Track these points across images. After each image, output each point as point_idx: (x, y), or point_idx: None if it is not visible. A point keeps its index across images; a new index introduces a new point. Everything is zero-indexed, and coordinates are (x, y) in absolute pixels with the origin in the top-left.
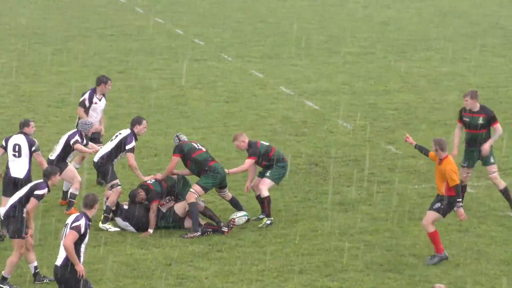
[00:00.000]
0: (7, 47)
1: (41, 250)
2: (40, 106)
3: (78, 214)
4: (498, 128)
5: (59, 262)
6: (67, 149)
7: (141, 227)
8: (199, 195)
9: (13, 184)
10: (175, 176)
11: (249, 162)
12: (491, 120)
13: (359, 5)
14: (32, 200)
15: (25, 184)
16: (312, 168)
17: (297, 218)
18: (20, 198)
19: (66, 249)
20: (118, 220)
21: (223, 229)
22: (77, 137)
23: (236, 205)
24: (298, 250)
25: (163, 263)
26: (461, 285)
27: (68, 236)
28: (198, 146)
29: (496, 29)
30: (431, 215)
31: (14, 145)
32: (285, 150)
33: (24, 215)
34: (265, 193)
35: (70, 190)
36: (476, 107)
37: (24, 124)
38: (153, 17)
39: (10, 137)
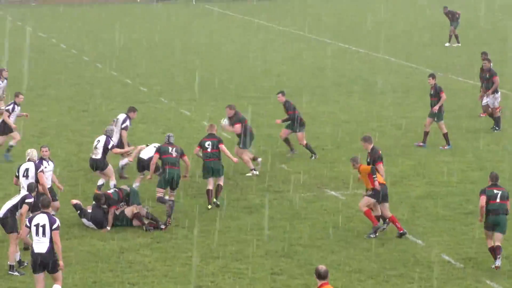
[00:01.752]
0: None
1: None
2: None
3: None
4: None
5: (44, 249)
6: (106, 151)
7: (100, 225)
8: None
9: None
10: (128, 188)
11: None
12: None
13: (258, 62)
14: (24, 206)
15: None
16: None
17: (214, 218)
18: (15, 204)
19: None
20: (84, 220)
21: (161, 226)
22: (112, 142)
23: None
24: (217, 242)
25: (117, 251)
26: (336, 267)
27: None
28: (170, 151)
29: (359, 80)
30: (366, 199)
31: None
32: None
33: (16, 217)
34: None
35: (110, 184)
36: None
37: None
38: (109, 71)
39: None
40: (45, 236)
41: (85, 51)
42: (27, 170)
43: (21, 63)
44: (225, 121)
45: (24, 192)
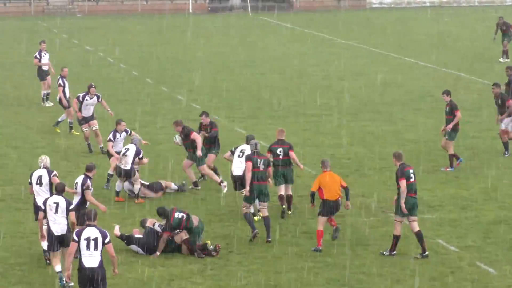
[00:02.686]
0: (43, 113)
1: None
2: (72, 156)
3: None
4: None
5: (96, 263)
6: (135, 160)
7: (150, 250)
8: None
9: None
10: (197, 220)
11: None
12: None
13: (319, 77)
14: (72, 214)
15: None
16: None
17: (273, 243)
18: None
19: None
20: (132, 246)
21: (213, 253)
22: (142, 152)
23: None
24: (273, 268)
25: (167, 279)
26: None
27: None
28: (259, 163)
29: (426, 97)
30: (321, 219)
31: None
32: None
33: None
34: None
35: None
36: None
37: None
38: (160, 86)
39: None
40: (96, 250)
41: (134, 65)
42: (40, 177)
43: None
44: (177, 138)
45: (53, 198)
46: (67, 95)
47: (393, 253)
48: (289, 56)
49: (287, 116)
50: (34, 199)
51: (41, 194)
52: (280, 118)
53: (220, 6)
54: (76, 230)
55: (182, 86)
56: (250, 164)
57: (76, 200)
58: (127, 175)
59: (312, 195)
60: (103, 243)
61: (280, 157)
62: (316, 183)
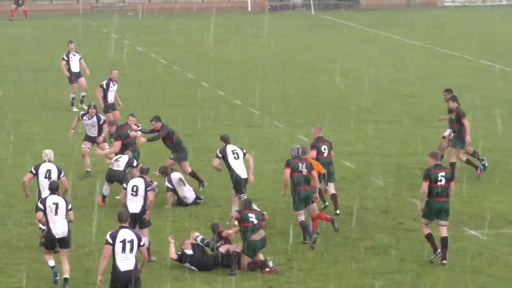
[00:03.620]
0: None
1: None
2: None
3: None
4: None
5: (132, 266)
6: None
7: (205, 267)
8: None
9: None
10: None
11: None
12: None
13: (386, 81)
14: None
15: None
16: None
17: (337, 259)
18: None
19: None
20: (186, 265)
21: (275, 270)
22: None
23: None
24: (337, 287)
25: None
26: None
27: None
28: (301, 168)
29: (503, 102)
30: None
31: (133, 186)
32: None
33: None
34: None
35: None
36: None
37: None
38: (216, 90)
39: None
40: (132, 253)
41: (188, 67)
42: (49, 171)
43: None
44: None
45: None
46: (109, 98)
47: (437, 252)
48: (355, 58)
49: (352, 122)
50: (39, 191)
51: (47, 188)
52: (345, 125)
53: (280, 5)
54: (110, 232)
55: (240, 90)
56: (288, 170)
57: (138, 204)
58: (117, 178)
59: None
60: (138, 245)
61: (325, 154)
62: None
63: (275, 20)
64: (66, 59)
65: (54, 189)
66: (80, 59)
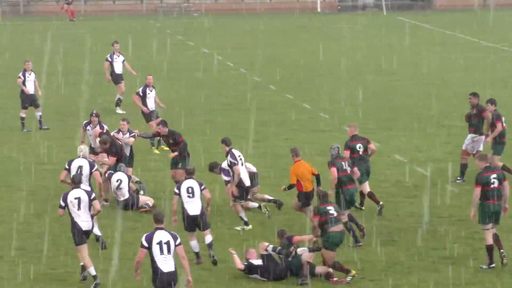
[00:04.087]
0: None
1: None
2: None
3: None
4: None
5: (173, 267)
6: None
7: (275, 277)
8: None
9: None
10: None
11: None
12: None
13: (463, 84)
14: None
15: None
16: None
17: (410, 270)
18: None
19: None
20: (254, 276)
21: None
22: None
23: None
24: None
25: None
26: None
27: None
28: (345, 166)
29: None
30: (308, 209)
31: (188, 188)
32: (398, 211)
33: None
34: None
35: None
36: None
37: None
38: (284, 94)
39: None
40: (170, 254)
41: (255, 70)
42: (80, 167)
43: (181, 84)
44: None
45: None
46: (149, 106)
47: (491, 266)
48: (428, 60)
49: (426, 127)
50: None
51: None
52: (418, 130)
53: (351, 5)
54: (145, 235)
55: (309, 94)
56: (334, 169)
57: (197, 205)
58: (128, 205)
59: (290, 187)
60: (175, 245)
61: (360, 153)
62: (293, 175)
63: (345, 21)
64: (110, 60)
65: (76, 182)
66: (124, 61)
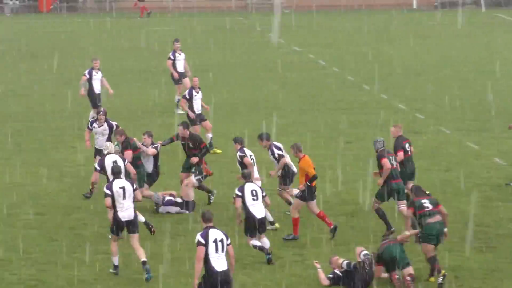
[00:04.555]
0: (246, 118)
1: None
2: None
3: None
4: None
5: (225, 266)
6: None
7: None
8: None
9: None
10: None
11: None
12: None
13: None
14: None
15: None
16: None
17: (510, 277)
18: None
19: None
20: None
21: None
22: None
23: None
24: None
25: None
26: None
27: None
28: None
29: None
30: (296, 202)
31: (252, 191)
32: (496, 216)
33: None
34: None
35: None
36: None
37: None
38: (378, 93)
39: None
40: (223, 252)
41: (349, 69)
42: (115, 162)
43: (272, 83)
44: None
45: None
46: (196, 108)
47: None
48: None
49: None
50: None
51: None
52: None
53: (448, 1)
54: (200, 233)
55: (404, 93)
56: (387, 160)
57: (262, 207)
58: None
59: (314, 179)
60: (227, 244)
61: (409, 152)
62: (310, 168)
63: (442, 18)
64: (173, 58)
65: (117, 172)
66: (185, 59)
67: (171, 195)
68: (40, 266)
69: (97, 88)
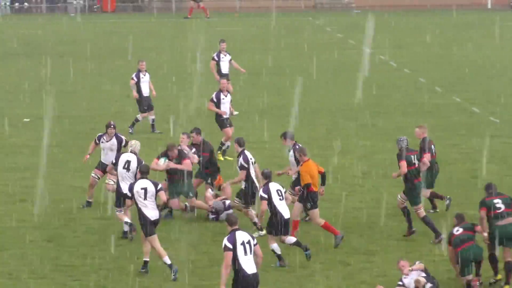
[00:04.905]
0: (316, 121)
1: None
2: (346, 178)
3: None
4: None
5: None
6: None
7: None
8: None
9: None
10: None
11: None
12: None
13: None
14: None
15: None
16: None
17: None
18: None
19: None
20: None
21: None
22: None
23: None
24: None
25: None
26: None
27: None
28: (499, 204)
29: None
30: (297, 206)
31: (277, 190)
32: None
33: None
34: None
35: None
36: None
37: None
38: (451, 96)
39: None
40: (251, 253)
41: (420, 70)
42: (128, 162)
43: (341, 85)
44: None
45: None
46: (226, 112)
47: None
48: None
49: None
50: (118, 184)
51: (126, 179)
52: None
53: None
54: (227, 237)
55: (478, 96)
56: (405, 163)
57: (287, 208)
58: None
59: (307, 187)
60: (254, 245)
61: (434, 155)
62: (307, 175)
63: None
64: (217, 59)
65: (143, 172)
66: (231, 60)
67: (224, 199)
68: (103, 272)
69: (145, 91)
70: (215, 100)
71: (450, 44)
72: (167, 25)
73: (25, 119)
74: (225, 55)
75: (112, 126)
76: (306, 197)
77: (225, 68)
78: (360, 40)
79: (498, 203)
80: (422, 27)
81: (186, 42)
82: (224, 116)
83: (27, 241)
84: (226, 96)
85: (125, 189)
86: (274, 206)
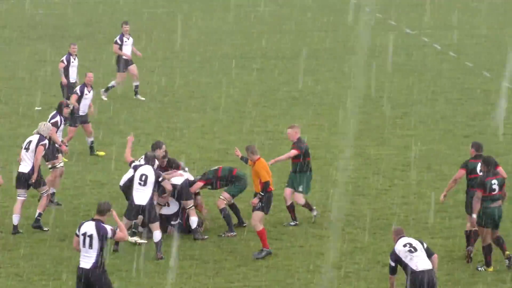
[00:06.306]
0: (356, 110)
1: None
2: (386, 169)
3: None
4: None
5: (88, 265)
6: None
7: None
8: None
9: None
10: None
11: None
12: None
13: None
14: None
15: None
16: None
17: None
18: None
19: None
20: None
21: None
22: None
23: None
24: None
25: None
26: None
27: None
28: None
29: None
30: (257, 214)
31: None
32: None
33: None
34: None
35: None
36: None
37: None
38: (500, 82)
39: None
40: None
41: (468, 54)
42: (29, 142)
43: (381, 69)
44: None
45: None
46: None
47: None
48: None
49: None
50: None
51: (26, 160)
52: None
53: None
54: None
55: None
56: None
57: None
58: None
59: (267, 185)
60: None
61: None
62: (265, 172)
63: None
64: (120, 43)
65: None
66: (132, 43)
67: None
68: (118, 274)
69: (126, 53)
70: (78, 93)
71: (498, 25)
72: (194, 4)
73: (36, 107)
74: (128, 39)
75: (68, 105)
76: (262, 197)
77: (128, 52)
78: (401, 21)
79: (495, 184)
80: (468, 7)
81: (217, 23)
82: (81, 113)
83: (37, 240)
84: (89, 92)
85: (23, 169)
86: None
